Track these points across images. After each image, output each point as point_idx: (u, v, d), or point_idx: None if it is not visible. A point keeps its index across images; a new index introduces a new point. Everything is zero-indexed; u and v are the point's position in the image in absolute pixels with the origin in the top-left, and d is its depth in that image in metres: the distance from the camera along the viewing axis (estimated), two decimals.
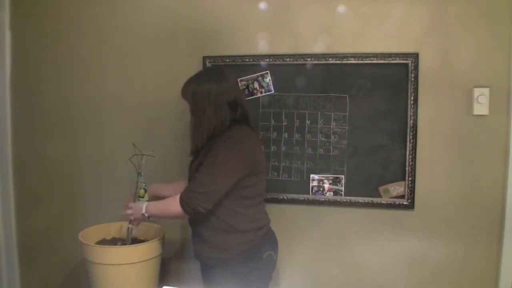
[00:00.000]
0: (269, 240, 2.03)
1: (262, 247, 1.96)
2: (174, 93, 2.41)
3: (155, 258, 2.18)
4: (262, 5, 2.31)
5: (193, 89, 1.92)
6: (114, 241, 2.29)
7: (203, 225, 1.92)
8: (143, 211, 1.99)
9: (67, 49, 2.61)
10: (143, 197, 2.22)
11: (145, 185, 2.21)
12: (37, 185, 2.71)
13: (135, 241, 2.27)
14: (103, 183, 2.59)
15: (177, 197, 1.86)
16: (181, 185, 2.21)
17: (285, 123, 2.32)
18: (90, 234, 2.25)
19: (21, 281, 2.77)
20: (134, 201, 2.21)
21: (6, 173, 2.71)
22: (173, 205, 1.88)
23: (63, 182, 2.67)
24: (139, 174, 2.22)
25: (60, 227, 2.67)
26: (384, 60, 2.20)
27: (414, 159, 2.21)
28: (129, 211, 2.06)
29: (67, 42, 2.60)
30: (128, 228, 2.21)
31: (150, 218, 2.02)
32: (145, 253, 2.14)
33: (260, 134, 2.35)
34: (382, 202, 2.26)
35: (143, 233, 2.32)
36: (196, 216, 1.89)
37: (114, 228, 2.35)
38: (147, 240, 2.23)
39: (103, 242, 2.28)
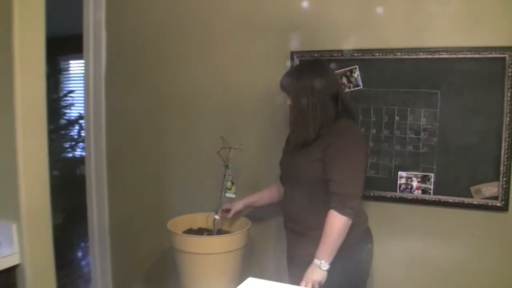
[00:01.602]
0: (369, 233, 2.01)
1: (366, 240, 1.95)
2: (263, 88, 2.45)
3: (239, 250, 2.22)
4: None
5: (295, 82, 1.91)
6: (200, 231, 2.36)
7: (310, 221, 1.90)
8: (320, 266, 1.75)
9: (155, 46, 2.71)
10: (230, 189, 2.28)
11: (232, 178, 2.27)
12: (129, 177, 2.85)
13: (221, 232, 2.32)
14: (190, 175, 2.67)
15: (332, 215, 1.75)
16: (275, 189, 2.22)
17: (373, 119, 2.27)
18: (178, 224, 2.33)
19: (112, 265, 2.92)
20: (221, 194, 2.27)
21: (101, 165, 2.87)
22: (335, 226, 1.75)
23: (153, 174, 2.79)
24: (226, 166, 2.28)
25: (149, 216, 2.79)
26: (479, 54, 2.09)
27: (509, 158, 2.08)
28: (314, 283, 1.76)
29: (155, 40, 2.71)
30: (214, 219, 2.27)
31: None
32: (230, 244, 2.18)
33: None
34: (474, 202, 2.14)
35: (229, 224, 2.37)
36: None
37: (201, 219, 2.42)
38: (232, 232, 2.28)
39: (189, 231, 2.36)
